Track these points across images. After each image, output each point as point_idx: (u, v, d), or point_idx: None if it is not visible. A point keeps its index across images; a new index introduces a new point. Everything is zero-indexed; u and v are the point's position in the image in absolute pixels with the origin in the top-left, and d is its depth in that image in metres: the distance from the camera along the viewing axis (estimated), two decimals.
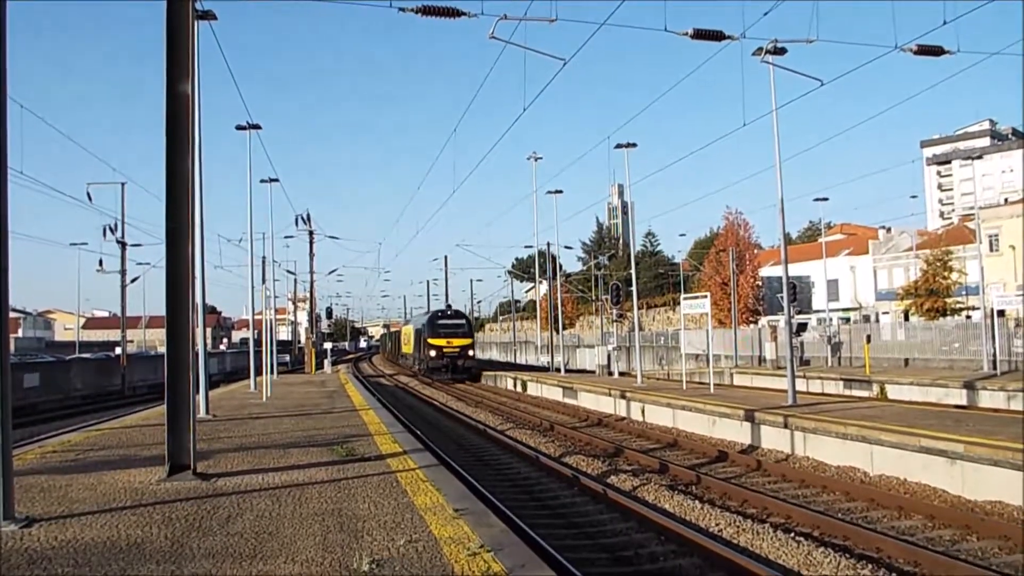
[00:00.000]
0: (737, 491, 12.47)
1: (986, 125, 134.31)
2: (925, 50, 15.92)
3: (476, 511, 7.92)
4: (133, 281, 46.64)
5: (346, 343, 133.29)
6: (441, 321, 47.98)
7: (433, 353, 45.94)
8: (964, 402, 23.07)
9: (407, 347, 60.35)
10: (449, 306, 57.05)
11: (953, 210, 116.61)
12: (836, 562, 8.42)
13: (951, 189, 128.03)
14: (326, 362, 50.31)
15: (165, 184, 9.52)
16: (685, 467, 14.76)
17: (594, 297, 77.73)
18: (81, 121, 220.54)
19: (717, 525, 10.35)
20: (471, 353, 47.78)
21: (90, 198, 38.63)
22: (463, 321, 50.14)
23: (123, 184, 42.80)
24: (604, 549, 9.78)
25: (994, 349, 28.79)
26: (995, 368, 27.88)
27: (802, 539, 9.39)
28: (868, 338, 33.52)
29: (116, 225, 42.34)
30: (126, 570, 5.88)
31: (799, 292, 45.28)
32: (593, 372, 44.36)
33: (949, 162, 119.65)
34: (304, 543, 6.60)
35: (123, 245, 43.49)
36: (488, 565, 5.85)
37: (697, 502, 11.57)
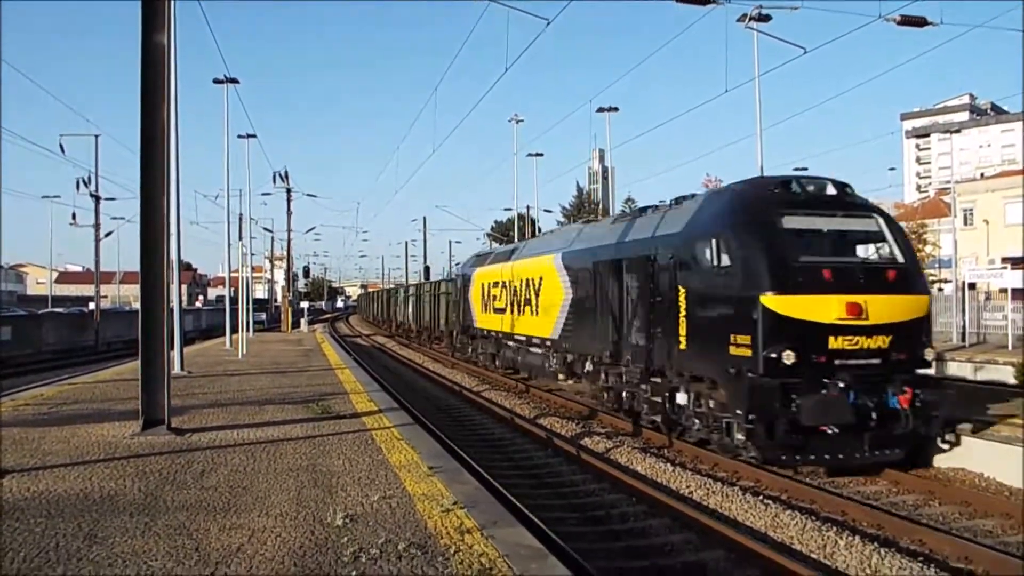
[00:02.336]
0: (708, 456, 12.65)
1: (966, 99, 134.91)
2: (908, 20, 15.95)
3: (450, 469, 8.01)
4: (107, 235, 46.06)
5: (323, 303, 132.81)
6: (810, 216, 11.57)
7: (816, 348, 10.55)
8: (932, 372, 23.50)
9: (492, 320, 24.41)
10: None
11: (930, 183, 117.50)
12: (802, 524, 8.60)
13: (929, 162, 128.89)
14: (303, 321, 50.20)
15: (140, 136, 9.38)
16: (658, 431, 14.93)
17: None
18: (54, 70, 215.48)
19: (688, 487, 10.52)
20: (926, 351, 11.67)
21: (63, 150, 38.02)
22: (875, 225, 11.78)
23: (97, 137, 42.02)
24: (576, 509, 9.93)
25: (964, 321, 29.29)
26: (964, 340, 28.38)
27: (770, 502, 9.58)
28: None
29: (90, 178, 41.71)
30: (99, 521, 5.89)
31: None
32: None
33: (928, 135, 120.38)
34: (278, 498, 6.65)
35: (97, 199, 42.85)
36: (461, 521, 5.92)
37: (669, 465, 11.73)
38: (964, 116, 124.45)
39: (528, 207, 54.69)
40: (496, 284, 23.83)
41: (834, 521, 8.98)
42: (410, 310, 46.56)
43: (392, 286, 74.00)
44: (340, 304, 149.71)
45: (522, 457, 13.10)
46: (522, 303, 21.05)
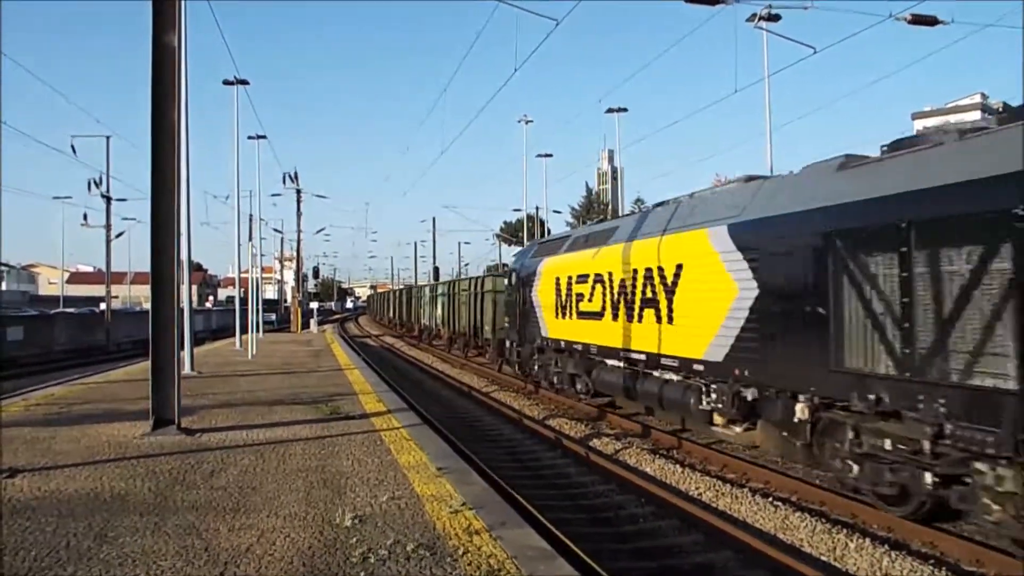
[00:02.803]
0: (718, 456, 12.61)
1: (977, 99, 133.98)
2: (919, 19, 15.90)
3: (458, 470, 8.01)
4: (118, 236, 46.24)
5: (332, 303, 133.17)
6: None
7: None
8: None
9: (576, 328, 17.51)
10: None
11: None
12: (812, 526, 8.57)
13: None
14: (312, 322, 50.35)
15: (150, 137, 9.43)
16: (667, 432, 14.91)
17: None
18: (64, 70, 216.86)
19: (697, 489, 10.49)
20: None
21: (74, 151, 38.25)
22: None
23: (108, 137, 42.13)
24: (584, 510, 9.92)
25: None
26: None
27: (780, 504, 9.54)
28: None
29: (101, 179, 41.90)
30: (110, 521, 5.92)
31: None
32: None
33: None
34: (287, 498, 6.66)
35: (108, 199, 43.00)
36: (469, 522, 5.92)
37: (678, 466, 11.70)
38: (976, 116, 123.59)
39: (537, 208, 54.53)
40: (584, 278, 16.93)
41: (844, 523, 8.93)
42: (439, 312, 39.11)
43: (410, 285, 70.89)
44: (350, 305, 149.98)
45: (530, 458, 13.10)
46: (638, 304, 14.17)
